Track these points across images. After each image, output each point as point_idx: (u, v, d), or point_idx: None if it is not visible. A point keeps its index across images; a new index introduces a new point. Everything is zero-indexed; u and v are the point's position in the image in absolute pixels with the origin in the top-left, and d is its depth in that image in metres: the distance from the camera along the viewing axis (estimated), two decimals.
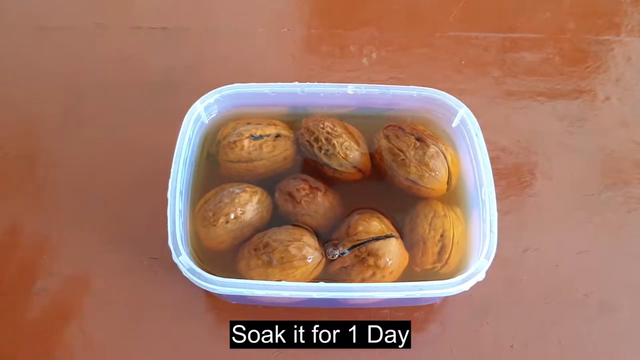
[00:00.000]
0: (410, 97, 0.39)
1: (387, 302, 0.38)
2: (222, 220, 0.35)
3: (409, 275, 0.36)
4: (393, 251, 0.34)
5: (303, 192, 0.37)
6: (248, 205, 0.36)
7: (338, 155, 0.38)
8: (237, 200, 0.35)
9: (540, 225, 0.43)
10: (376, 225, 0.35)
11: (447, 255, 0.36)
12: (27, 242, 0.42)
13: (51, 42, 0.52)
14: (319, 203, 0.37)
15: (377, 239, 0.35)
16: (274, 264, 0.34)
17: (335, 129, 0.38)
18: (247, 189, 0.36)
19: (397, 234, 0.35)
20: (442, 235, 0.36)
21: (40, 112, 0.48)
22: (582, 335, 0.39)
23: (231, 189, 0.36)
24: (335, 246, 0.36)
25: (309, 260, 0.34)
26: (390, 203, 0.38)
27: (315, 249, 0.34)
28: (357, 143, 0.39)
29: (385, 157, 0.38)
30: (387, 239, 0.35)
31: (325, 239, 0.37)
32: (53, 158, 0.45)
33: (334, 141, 0.38)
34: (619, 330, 0.39)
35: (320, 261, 0.35)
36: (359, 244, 0.35)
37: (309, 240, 0.35)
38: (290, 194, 0.37)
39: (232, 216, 0.35)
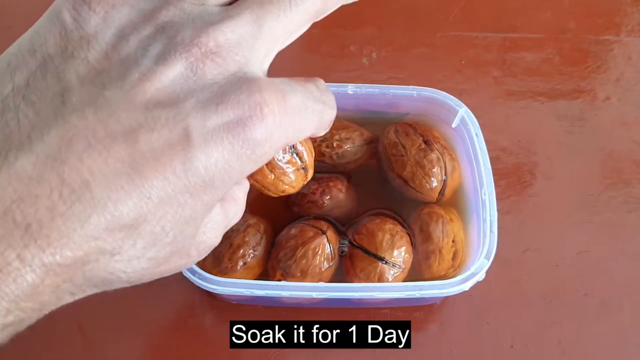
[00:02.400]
0: (411, 97, 0.39)
1: (387, 302, 0.38)
2: (240, 263, 0.35)
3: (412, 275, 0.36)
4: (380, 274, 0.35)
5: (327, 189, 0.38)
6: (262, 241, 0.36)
7: (334, 145, 0.38)
8: (247, 239, 0.36)
9: (541, 225, 0.43)
10: (382, 236, 0.35)
11: (459, 260, 0.36)
12: None
13: None
14: (341, 197, 0.38)
15: (369, 253, 0.35)
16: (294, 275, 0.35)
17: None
18: (251, 222, 0.36)
19: (390, 259, 0.35)
20: (453, 241, 0.36)
21: None
22: (583, 335, 0.39)
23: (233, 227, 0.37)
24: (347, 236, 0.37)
25: (324, 269, 0.35)
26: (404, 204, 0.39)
27: (330, 259, 0.35)
28: (354, 133, 0.39)
29: (387, 150, 0.38)
30: (376, 261, 0.35)
31: (342, 230, 0.38)
32: None
33: (331, 131, 0.39)
34: (620, 331, 0.39)
35: (332, 264, 0.35)
36: (356, 246, 0.36)
37: (324, 250, 0.35)
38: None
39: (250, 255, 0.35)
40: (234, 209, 0.25)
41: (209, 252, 0.24)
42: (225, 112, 0.19)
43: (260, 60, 0.21)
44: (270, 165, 0.28)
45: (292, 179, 0.30)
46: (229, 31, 0.20)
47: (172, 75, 0.19)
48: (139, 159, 0.18)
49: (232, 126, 0.19)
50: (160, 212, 0.19)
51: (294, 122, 0.21)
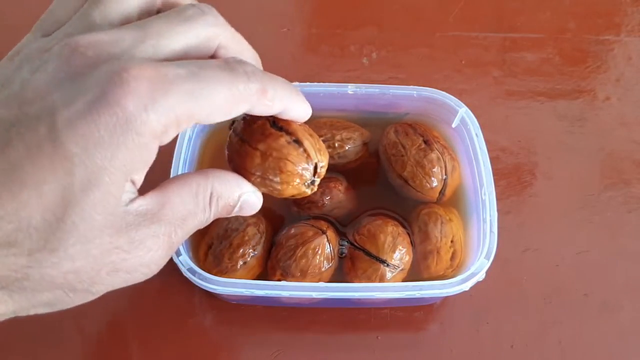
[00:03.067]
0: (411, 97, 0.39)
1: (387, 302, 0.38)
2: (240, 262, 0.35)
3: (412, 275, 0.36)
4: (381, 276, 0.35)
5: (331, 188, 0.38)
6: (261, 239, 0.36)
7: (336, 146, 0.38)
8: (247, 238, 0.36)
9: (541, 225, 0.43)
10: (384, 238, 0.35)
11: (457, 260, 0.36)
12: None
13: None
14: (341, 197, 0.38)
15: (371, 255, 0.35)
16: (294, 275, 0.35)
17: (330, 119, 0.39)
18: (250, 221, 0.36)
19: (392, 261, 0.35)
20: (452, 241, 0.36)
21: None
22: (583, 335, 0.39)
23: (232, 226, 0.36)
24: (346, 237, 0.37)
25: (324, 269, 0.35)
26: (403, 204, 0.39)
27: (330, 259, 0.35)
28: (355, 133, 0.39)
29: (387, 150, 0.38)
30: (378, 263, 0.35)
31: (343, 230, 0.38)
32: None
33: (332, 132, 0.38)
34: (620, 330, 0.39)
35: (332, 264, 0.35)
36: (357, 247, 0.36)
37: (324, 249, 0.35)
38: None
39: (251, 254, 0.36)
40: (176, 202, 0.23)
41: (186, 236, 0.23)
42: (87, 91, 0.20)
43: (146, 56, 0.21)
44: (280, 165, 0.26)
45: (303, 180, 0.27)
46: (108, 33, 0.21)
47: (45, 76, 0.20)
48: (13, 159, 0.19)
49: (94, 101, 0.19)
50: (45, 204, 0.19)
51: (179, 91, 0.21)
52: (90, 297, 0.23)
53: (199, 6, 0.23)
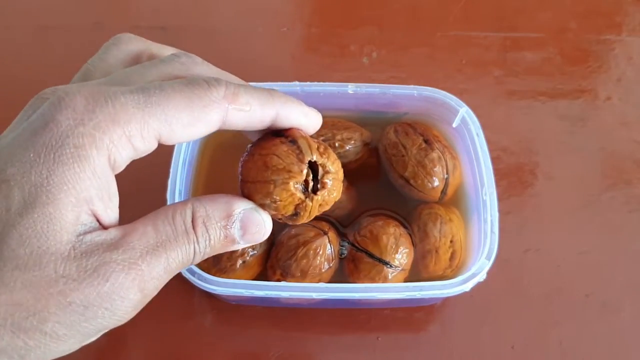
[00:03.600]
0: (411, 96, 0.39)
1: (387, 303, 0.38)
2: (239, 262, 0.35)
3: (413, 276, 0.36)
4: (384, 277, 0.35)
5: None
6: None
7: (337, 145, 0.38)
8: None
9: (542, 225, 0.43)
10: (386, 240, 0.35)
11: (457, 261, 0.36)
12: None
13: (51, 41, 0.52)
14: (342, 197, 0.38)
15: (374, 257, 0.35)
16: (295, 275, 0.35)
17: (331, 119, 0.39)
18: None
19: (394, 262, 0.35)
20: (451, 241, 0.36)
21: None
22: (584, 336, 0.39)
23: None
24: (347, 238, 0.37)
25: (324, 270, 0.35)
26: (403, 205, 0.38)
27: (330, 260, 0.35)
28: (355, 133, 0.39)
29: (387, 151, 0.38)
30: (381, 264, 0.35)
31: (344, 231, 0.38)
32: None
33: (332, 131, 0.38)
34: (621, 331, 0.39)
35: (332, 265, 0.35)
36: (359, 249, 0.36)
37: (325, 250, 0.35)
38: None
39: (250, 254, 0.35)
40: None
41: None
42: (30, 118, 0.20)
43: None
44: (266, 160, 0.23)
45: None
46: (77, 86, 0.21)
47: (11, 125, 0.21)
48: None
49: (32, 124, 0.19)
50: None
51: (123, 103, 0.19)
52: (51, 343, 0.19)
53: (175, 53, 0.24)
